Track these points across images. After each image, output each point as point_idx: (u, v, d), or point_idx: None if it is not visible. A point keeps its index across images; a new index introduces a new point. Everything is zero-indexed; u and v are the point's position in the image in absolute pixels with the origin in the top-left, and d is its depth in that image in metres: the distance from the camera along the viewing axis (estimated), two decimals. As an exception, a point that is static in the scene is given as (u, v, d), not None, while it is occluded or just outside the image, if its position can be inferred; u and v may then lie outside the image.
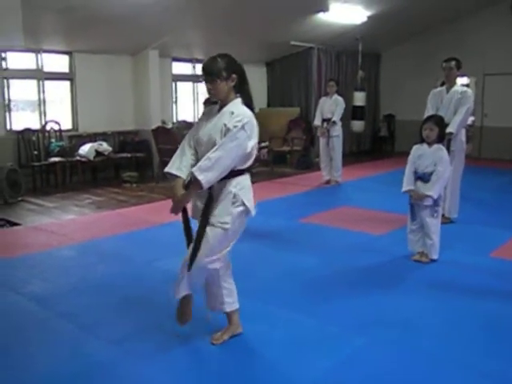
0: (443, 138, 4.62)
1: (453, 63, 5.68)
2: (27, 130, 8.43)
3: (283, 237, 5.49)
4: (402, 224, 4.91)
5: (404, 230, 4.79)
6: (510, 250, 5.00)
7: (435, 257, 4.57)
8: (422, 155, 4.50)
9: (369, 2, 9.51)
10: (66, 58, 9.03)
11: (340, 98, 8.46)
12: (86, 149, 8.66)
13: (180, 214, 2.99)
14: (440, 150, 4.49)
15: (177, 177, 2.91)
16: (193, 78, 11.07)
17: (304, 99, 11.68)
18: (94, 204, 7.32)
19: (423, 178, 4.47)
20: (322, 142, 8.66)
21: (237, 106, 2.93)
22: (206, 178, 2.75)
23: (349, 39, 11.08)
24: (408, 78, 12.39)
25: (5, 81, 8.26)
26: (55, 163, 8.47)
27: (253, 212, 3.00)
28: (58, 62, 9.02)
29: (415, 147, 4.61)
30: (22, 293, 3.95)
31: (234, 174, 2.90)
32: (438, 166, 4.42)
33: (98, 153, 8.78)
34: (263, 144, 10.70)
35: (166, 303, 3.38)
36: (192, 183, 2.82)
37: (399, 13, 10.08)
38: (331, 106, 8.43)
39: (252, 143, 2.91)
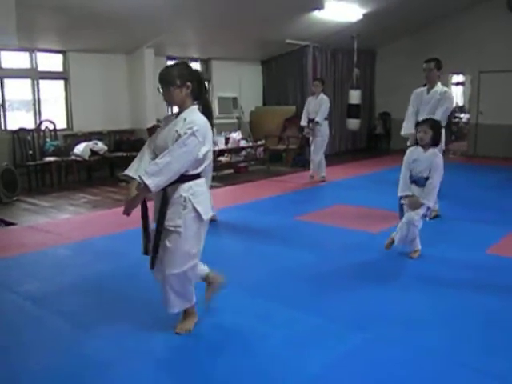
0: (438, 141, 4.56)
1: (432, 64, 5.76)
2: (22, 130, 8.40)
3: (279, 234, 5.49)
4: (394, 222, 4.90)
5: (394, 229, 4.81)
6: (506, 246, 5.01)
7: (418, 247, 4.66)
8: (417, 159, 4.49)
9: (364, 0, 9.51)
10: (60, 57, 9.01)
11: (325, 98, 8.50)
12: (81, 148, 8.63)
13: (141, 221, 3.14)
14: (436, 156, 4.47)
15: (134, 179, 2.98)
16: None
17: (300, 97, 11.65)
18: (89, 203, 7.30)
19: (418, 182, 4.48)
20: (311, 140, 8.73)
21: (191, 113, 3.01)
22: (153, 182, 2.83)
23: (344, 37, 11.08)
24: (403, 76, 12.38)
25: (-1, 80, 8.25)
26: (50, 163, 8.45)
27: (205, 217, 3.03)
28: (52, 61, 9.00)
29: (410, 150, 4.61)
30: (18, 292, 3.94)
31: (186, 178, 2.97)
32: (433, 173, 4.41)
33: (93, 152, 8.76)
34: (259, 142, 10.70)
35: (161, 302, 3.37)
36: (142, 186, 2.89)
37: (395, 10, 10.09)
38: (316, 106, 8.47)
39: (205, 149, 2.98)
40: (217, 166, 9.36)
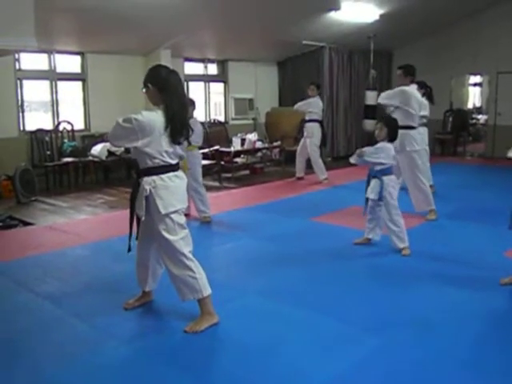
0: (394, 138, 4.78)
1: (401, 70, 5.99)
2: (40, 131, 8.50)
3: (295, 236, 5.49)
4: (412, 224, 4.88)
5: (413, 230, 4.90)
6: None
7: (401, 245, 4.74)
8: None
9: (381, 1, 9.46)
10: (78, 59, 9.10)
11: (318, 101, 8.77)
12: (98, 149, 8.70)
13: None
14: (386, 144, 4.71)
15: None
16: (205, 78, 11.10)
17: (315, 98, 11.64)
18: (106, 204, 7.35)
19: (370, 173, 4.78)
20: (301, 140, 8.91)
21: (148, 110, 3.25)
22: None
23: (361, 38, 11.02)
24: (420, 77, 12.25)
25: (18, 81, 8.34)
26: (68, 163, 8.54)
27: (162, 210, 3.19)
28: (70, 63, 9.09)
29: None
30: (36, 292, 3.98)
31: (149, 172, 3.24)
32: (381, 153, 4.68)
33: (110, 153, 8.82)
34: (275, 143, 10.70)
35: (180, 302, 3.38)
36: None
37: (412, 11, 10.02)
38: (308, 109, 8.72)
39: (141, 143, 3.14)
40: (233, 167, 9.41)
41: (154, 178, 3.22)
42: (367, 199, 4.82)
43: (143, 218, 3.26)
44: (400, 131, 4.97)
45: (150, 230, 3.34)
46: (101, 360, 2.95)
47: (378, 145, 4.69)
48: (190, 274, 3.26)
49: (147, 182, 3.21)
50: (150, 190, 3.20)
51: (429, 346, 3.05)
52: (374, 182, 4.72)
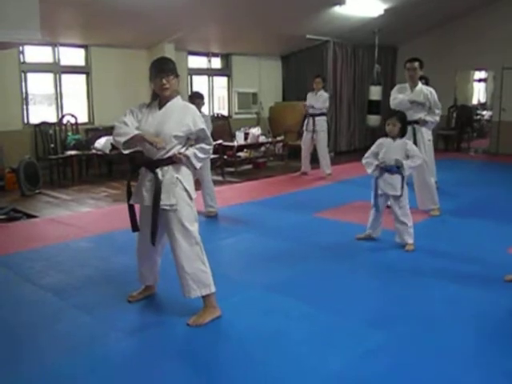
0: (405, 133, 4.82)
1: (416, 64, 5.92)
2: (44, 124, 8.52)
3: (298, 231, 5.48)
4: (416, 220, 4.87)
5: (417, 226, 4.87)
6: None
7: (410, 241, 4.75)
8: (389, 149, 4.72)
9: (386, -5, 9.44)
10: (82, 52, 9.09)
11: (325, 94, 8.65)
12: (101, 142, 8.70)
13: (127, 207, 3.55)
14: (407, 144, 4.76)
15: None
16: (208, 72, 11.09)
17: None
18: (110, 197, 7.37)
19: (391, 170, 4.71)
20: (305, 135, 8.78)
21: (187, 103, 3.40)
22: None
23: (365, 32, 11.00)
24: (425, 72, 12.22)
25: (22, 74, 8.35)
26: (72, 156, 8.54)
27: (193, 196, 3.29)
28: (74, 56, 9.09)
29: (379, 141, 4.85)
30: (39, 284, 4.00)
31: (172, 161, 3.23)
32: (413, 156, 4.69)
33: (114, 146, 8.81)
34: (278, 138, 10.68)
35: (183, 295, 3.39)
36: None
37: (416, 5, 9.98)
38: (313, 102, 8.59)
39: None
40: (236, 162, 9.41)
41: (180, 165, 3.25)
42: (378, 195, 4.83)
43: (176, 207, 3.19)
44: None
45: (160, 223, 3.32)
46: (103, 352, 2.97)
47: (413, 146, 4.79)
48: (202, 268, 3.27)
49: (175, 171, 3.23)
50: (179, 179, 3.22)
51: (431, 342, 3.05)
52: (394, 178, 4.71)
